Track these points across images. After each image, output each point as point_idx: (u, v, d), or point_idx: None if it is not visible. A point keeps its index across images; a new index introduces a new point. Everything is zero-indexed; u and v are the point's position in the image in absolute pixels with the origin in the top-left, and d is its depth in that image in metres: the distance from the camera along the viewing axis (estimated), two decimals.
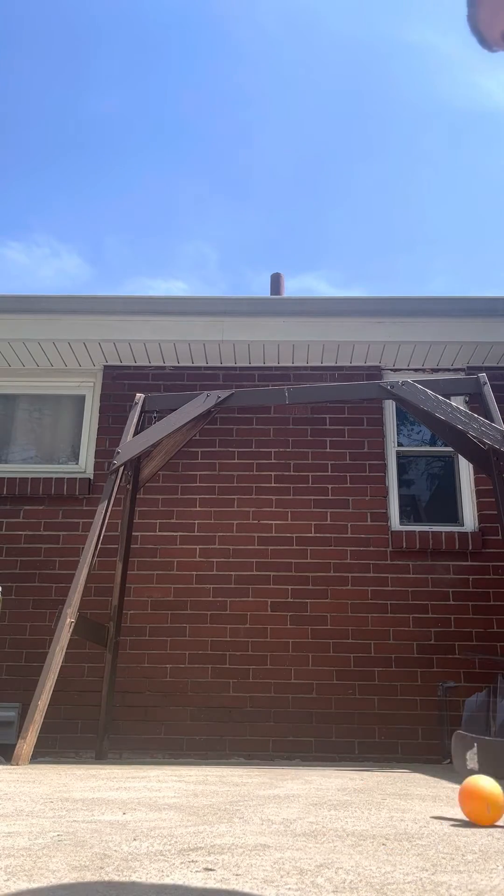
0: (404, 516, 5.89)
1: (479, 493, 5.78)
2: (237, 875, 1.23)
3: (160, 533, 5.73)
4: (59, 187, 22.87)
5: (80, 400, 6.32)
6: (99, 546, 4.67)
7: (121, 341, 6.00)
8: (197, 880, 1.19)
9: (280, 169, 22.19)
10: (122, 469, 4.89)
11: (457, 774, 3.80)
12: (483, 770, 1.35)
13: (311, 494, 5.80)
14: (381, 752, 5.13)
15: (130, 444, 4.88)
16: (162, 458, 5.17)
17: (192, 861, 1.35)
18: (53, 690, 4.16)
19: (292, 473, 5.87)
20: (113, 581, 5.04)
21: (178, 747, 5.18)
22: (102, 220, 25.12)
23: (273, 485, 5.83)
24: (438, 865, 1.33)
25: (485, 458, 4.90)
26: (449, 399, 4.70)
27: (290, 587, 5.55)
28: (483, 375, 4.88)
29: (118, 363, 6.26)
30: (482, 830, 1.80)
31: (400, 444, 6.10)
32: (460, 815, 2.08)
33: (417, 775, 3.73)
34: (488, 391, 4.80)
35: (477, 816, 1.85)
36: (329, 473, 5.86)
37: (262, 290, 9.73)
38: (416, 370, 6.21)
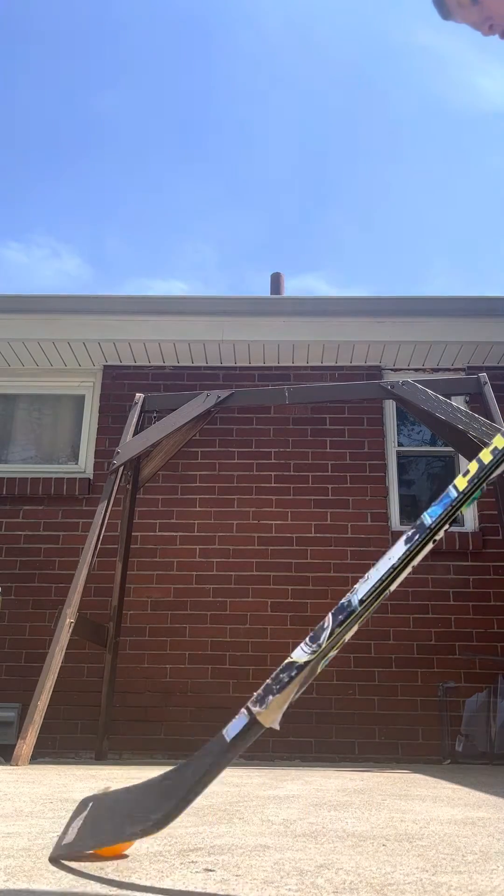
0: (404, 516, 5.88)
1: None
2: (237, 876, 1.22)
3: (160, 533, 5.72)
4: (59, 188, 22.88)
5: (80, 400, 6.32)
6: (99, 546, 4.66)
7: (121, 341, 5.99)
8: (197, 881, 1.19)
9: (280, 169, 22.20)
10: (121, 469, 4.89)
11: (458, 775, 3.79)
12: (81, 841, 0.99)
13: (311, 494, 5.80)
14: (381, 753, 5.12)
15: (130, 444, 4.88)
16: (162, 458, 5.16)
17: (192, 862, 1.34)
18: (53, 691, 4.16)
19: (292, 473, 5.87)
20: (113, 581, 5.04)
21: (177, 748, 5.17)
22: (102, 221, 25.13)
23: (273, 485, 5.83)
24: (439, 866, 1.32)
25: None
26: (449, 399, 4.69)
27: (290, 587, 5.54)
28: (483, 375, 4.88)
29: (118, 363, 6.25)
30: (483, 831, 1.80)
31: (400, 444, 6.10)
32: (461, 816, 2.08)
33: (418, 776, 3.73)
34: (489, 391, 4.79)
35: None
36: (329, 473, 5.85)
37: (262, 290, 9.73)
38: (416, 370, 6.21)
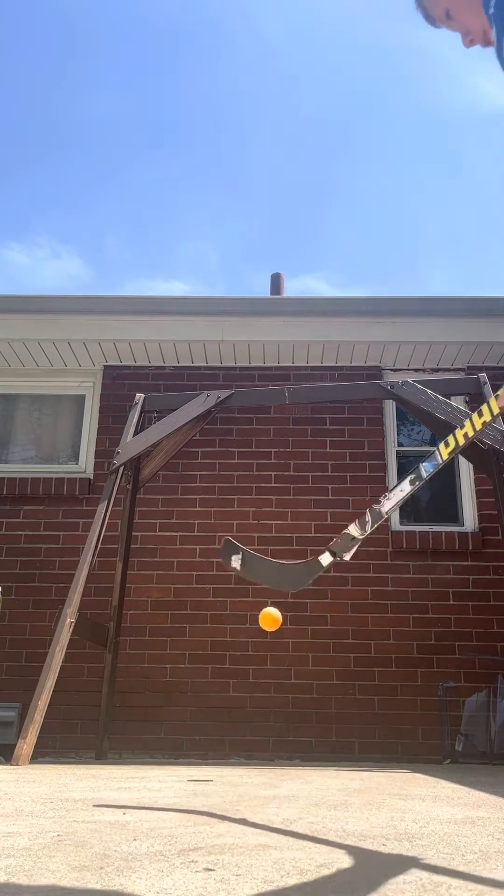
0: (404, 516, 5.88)
1: (480, 493, 5.78)
2: (237, 875, 1.22)
3: (160, 533, 5.72)
4: (59, 188, 22.87)
5: (80, 400, 6.32)
6: (99, 546, 4.66)
7: (121, 341, 5.99)
8: (197, 880, 1.19)
9: (281, 170, 22.19)
10: (121, 469, 4.89)
11: (458, 774, 3.80)
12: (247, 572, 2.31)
13: (311, 494, 5.80)
14: (381, 753, 5.12)
15: (130, 444, 4.88)
16: (162, 458, 5.16)
17: (193, 861, 1.35)
18: (53, 690, 4.16)
19: (292, 473, 5.87)
20: (113, 581, 5.04)
21: (178, 747, 5.17)
22: (103, 222, 25.13)
23: (273, 485, 5.83)
24: (439, 865, 1.33)
25: (485, 458, 4.89)
26: (449, 399, 4.69)
27: None
28: (483, 375, 4.88)
29: (118, 363, 6.25)
30: (482, 830, 1.80)
31: (400, 444, 6.10)
32: (461, 816, 2.08)
33: (417, 775, 3.73)
34: (489, 391, 4.79)
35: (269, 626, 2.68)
36: (329, 473, 5.85)
37: (262, 291, 9.73)
38: (416, 370, 6.21)
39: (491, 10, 1.35)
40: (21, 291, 5.97)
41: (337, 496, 5.78)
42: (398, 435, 6.12)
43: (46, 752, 4.97)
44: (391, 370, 6.22)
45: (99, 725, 4.87)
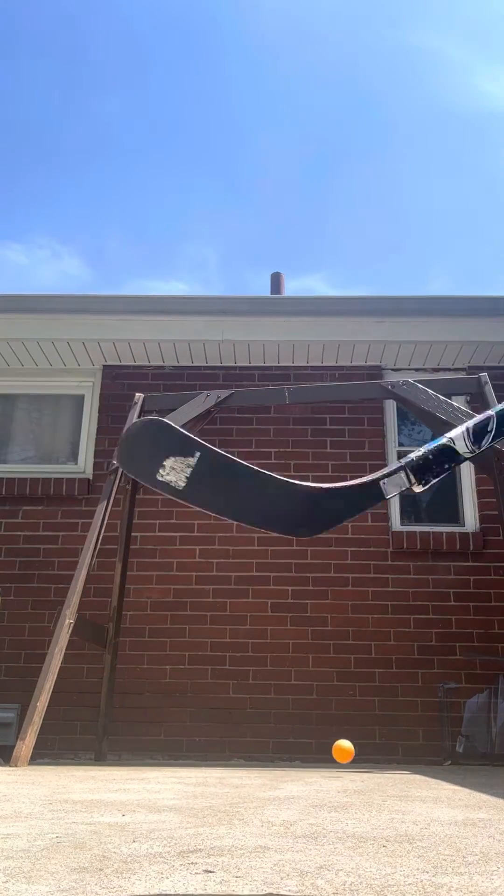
0: (405, 517, 5.87)
1: (480, 494, 5.77)
2: (237, 877, 1.21)
3: (160, 533, 5.71)
4: (59, 189, 22.87)
5: (80, 400, 6.31)
6: (98, 546, 4.66)
7: (120, 341, 5.99)
8: (197, 882, 1.18)
9: (281, 170, 22.21)
10: (121, 469, 4.87)
11: (458, 775, 3.79)
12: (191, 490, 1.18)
13: None
14: (381, 754, 5.11)
15: None
16: None
17: (192, 863, 1.34)
18: (52, 691, 4.15)
19: (292, 473, 5.86)
20: (112, 582, 5.03)
21: (177, 749, 5.16)
22: (103, 222, 25.14)
23: None
24: (439, 867, 1.32)
25: (486, 458, 4.88)
26: (450, 399, 4.68)
27: (290, 588, 5.54)
28: (484, 375, 4.87)
29: (117, 363, 6.25)
30: (483, 832, 1.79)
31: (401, 444, 6.09)
32: (462, 817, 2.07)
33: (418, 777, 3.72)
34: (489, 391, 4.79)
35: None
36: (329, 473, 5.84)
37: (262, 290, 9.73)
38: (416, 370, 6.20)
39: None
40: (20, 291, 5.96)
41: None
42: (399, 435, 6.11)
43: (45, 753, 4.96)
44: (392, 370, 6.21)
45: (98, 726, 4.86)
